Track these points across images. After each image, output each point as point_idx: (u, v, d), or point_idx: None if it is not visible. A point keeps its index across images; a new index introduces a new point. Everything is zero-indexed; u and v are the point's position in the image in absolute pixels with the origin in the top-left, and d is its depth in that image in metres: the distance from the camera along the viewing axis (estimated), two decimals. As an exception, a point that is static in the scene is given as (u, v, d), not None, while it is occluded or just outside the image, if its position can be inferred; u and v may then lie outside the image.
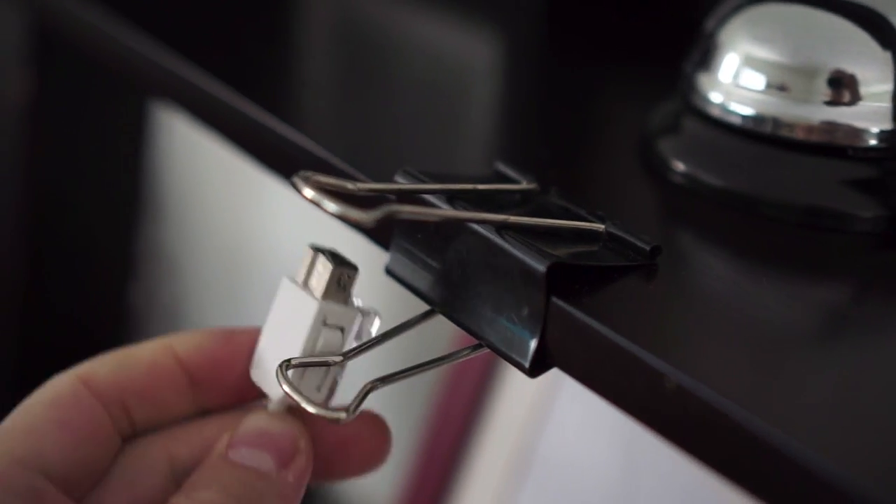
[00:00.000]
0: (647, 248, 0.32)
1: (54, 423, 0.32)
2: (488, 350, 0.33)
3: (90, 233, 0.66)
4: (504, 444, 0.60)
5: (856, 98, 0.34)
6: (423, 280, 0.34)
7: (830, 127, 0.35)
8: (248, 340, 0.35)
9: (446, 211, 0.32)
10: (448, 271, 0.33)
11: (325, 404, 0.33)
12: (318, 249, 0.34)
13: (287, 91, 0.46)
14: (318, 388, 0.34)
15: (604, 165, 0.40)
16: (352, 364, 0.34)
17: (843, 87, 0.34)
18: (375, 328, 0.35)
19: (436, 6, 0.52)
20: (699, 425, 0.27)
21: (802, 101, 0.35)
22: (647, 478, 0.55)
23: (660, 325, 0.30)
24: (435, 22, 0.51)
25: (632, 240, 0.32)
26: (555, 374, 0.32)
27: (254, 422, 0.33)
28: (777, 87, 0.35)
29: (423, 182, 0.33)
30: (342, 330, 0.34)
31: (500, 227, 0.32)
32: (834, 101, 0.34)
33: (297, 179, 0.31)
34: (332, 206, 0.30)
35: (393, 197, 0.34)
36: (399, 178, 0.34)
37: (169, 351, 0.35)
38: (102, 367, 0.34)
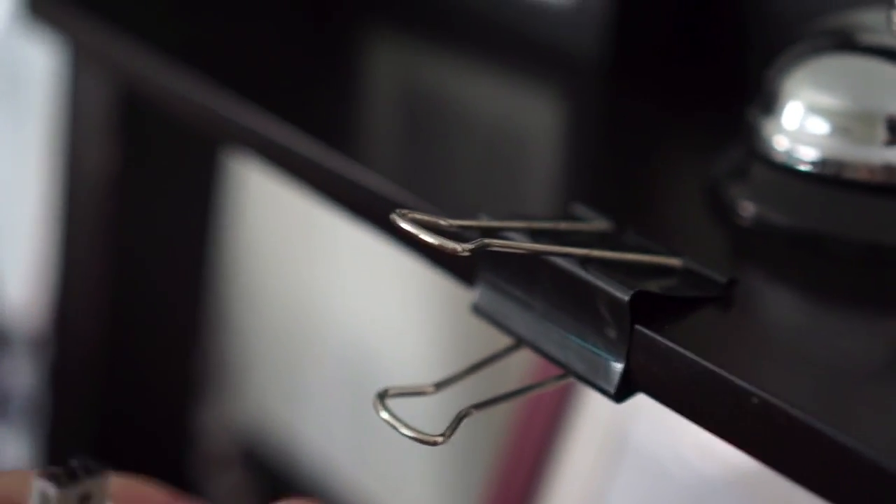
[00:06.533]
0: (724, 280, 0.34)
1: None
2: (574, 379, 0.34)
3: (163, 298, 0.68)
4: (594, 435, 0.61)
5: (913, 141, 0.36)
6: (509, 314, 0.36)
7: (890, 168, 0.37)
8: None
9: (533, 245, 0.34)
10: (533, 305, 0.35)
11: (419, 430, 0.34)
12: (48, 475, 0.33)
13: (364, 142, 0.49)
14: None
15: (673, 209, 0.42)
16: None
17: (900, 130, 0.36)
18: None
19: (497, 64, 0.54)
20: (784, 440, 0.29)
21: (864, 144, 0.37)
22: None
23: (739, 351, 0.32)
24: (498, 78, 0.54)
25: (708, 273, 0.34)
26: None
27: None
28: (840, 131, 0.37)
29: (506, 220, 0.36)
30: None
31: (584, 261, 0.34)
32: (893, 143, 0.36)
33: (394, 216, 0.33)
34: (428, 237, 0.32)
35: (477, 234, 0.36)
36: (482, 217, 0.36)
37: None
38: None
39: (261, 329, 0.90)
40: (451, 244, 0.31)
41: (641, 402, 0.34)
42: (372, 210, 0.42)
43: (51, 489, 0.32)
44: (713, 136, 0.44)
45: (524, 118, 0.51)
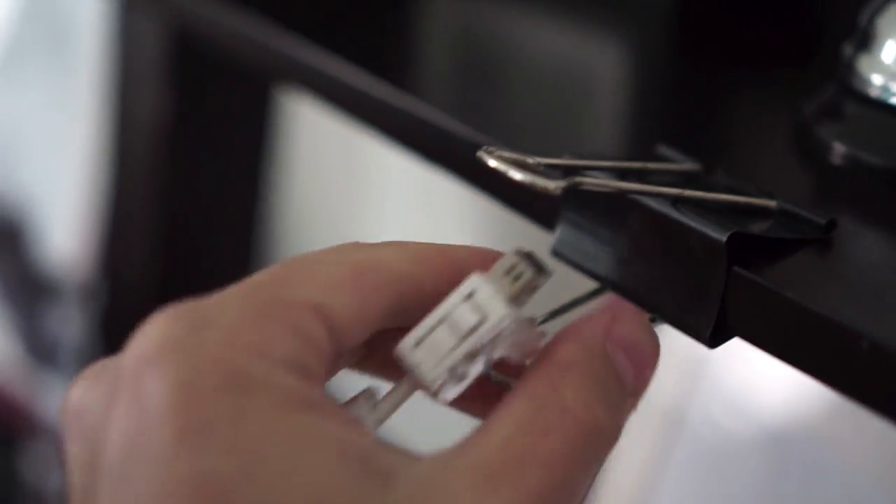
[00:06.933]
0: (823, 221, 0.32)
1: (354, 290, 0.29)
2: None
3: (215, 244, 0.67)
4: (653, 415, 0.60)
5: None
6: (594, 256, 0.34)
7: None
8: (462, 258, 0.31)
9: (624, 184, 0.33)
10: (620, 247, 0.34)
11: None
12: (522, 254, 0.31)
13: (437, 84, 0.47)
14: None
15: (760, 151, 0.40)
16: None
17: None
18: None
19: (563, 8, 0.52)
20: (894, 384, 0.28)
21: (967, 81, 0.35)
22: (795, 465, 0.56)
23: (842, 294, 0.31)
24: (564, 23, 0.52)
25: (805, 214, 0.33)
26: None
27: (630, 330, 0.31)
28: (942, 66, 0.35)
29: (593, 160, 0.34)
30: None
31: (675, 201, 0.32)
32: None
33: (481, 153, 0.31)
34: (518, 174, 0.31)
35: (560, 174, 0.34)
36: (567, 157, 0.34)
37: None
38: (389, 253, 0.30)
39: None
40: (542, 182, 0.30)
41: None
42: (442, 150, 0.40)
43: (526, 267, 0.30)
44: (791, 82, 0.43)
45: (594, 62, 0.49)
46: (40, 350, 0.92)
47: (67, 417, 0.28)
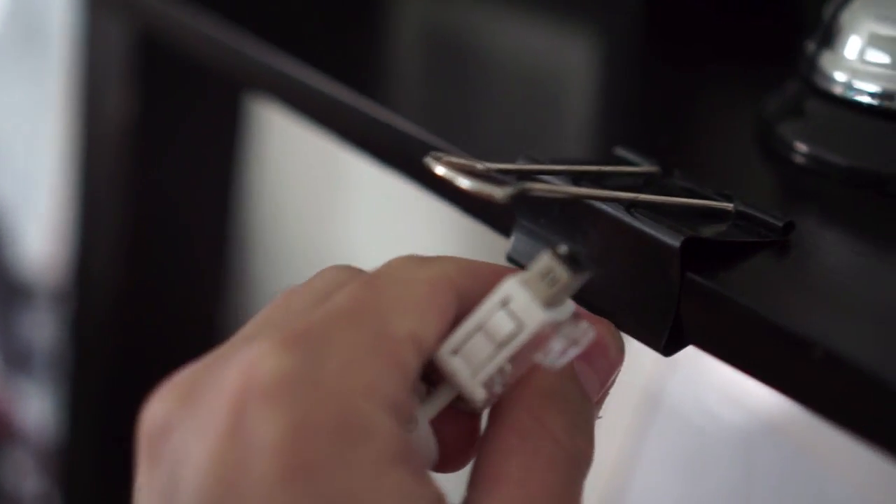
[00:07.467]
0: (780, 223, 0.32)
1: (437, 312, 0.29)
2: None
3: (184, 249, 0.66)
4: (630, 392, 0.60)
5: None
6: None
7: (959, 102, 0.34)
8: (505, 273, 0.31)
9: (576, 189, 0.32)
10: (575, 252, 0.33)
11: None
12: (558, 255, 0.29)
13: (395, 84, 0.46)
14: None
15: (722, 151, 0.39)
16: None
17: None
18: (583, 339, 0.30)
19: (530, 4, 0.52)
20: (849, 395, 0.27)
21: (929, 77, 0.34)
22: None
23: (799, 299, 0.30)
24: (532, 24, 0.51)
25: (763, 217, 0.32)
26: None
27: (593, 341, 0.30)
28: (903, 63, 0.34)
29: (546, 164, 0.33)
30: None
31: (629, 206, 0.32)
32: (962, 76, 0.34)
33: (428, 159, 0.31)
34: (465, 182, 0.30)
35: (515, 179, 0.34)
36: (522, 161, 0.34)
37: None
38: (451, 269, 0.30)
39: (284, 280, 0.88)
40: (488, 189, 0.29)
41: (676, 358, 0.32)
42: (401, 155, 0.39)
43: (564, 270, 0.29)
44: (756, 79, 0.42)
45: (560, 60, 0.48)
46: (14, 355, 0.92)
47: (147, 435, 0.27)
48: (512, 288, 0.29)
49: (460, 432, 0.31)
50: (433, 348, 0.29)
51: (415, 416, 0.29)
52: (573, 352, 0.29)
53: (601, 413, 0.32)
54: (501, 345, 0.29)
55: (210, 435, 0.26)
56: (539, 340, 0.29)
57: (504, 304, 0.29)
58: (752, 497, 0.58)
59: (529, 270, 0.29)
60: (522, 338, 0.29)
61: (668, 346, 0.31)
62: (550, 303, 0.29)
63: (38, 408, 0.89)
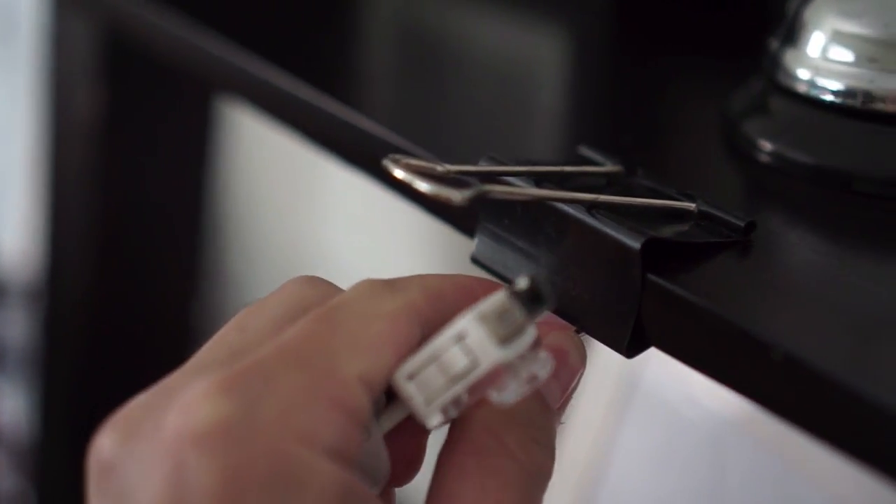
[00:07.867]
0: (742, 223, 0.31)
1: (394, 348, 0.29)
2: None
3: (157, 243, 0.66)
4: (606, 378, 0.60)
5: (947, 69, 0.34)
6: (511, 266, 0.33)
7: (922, 99, 0.34)
8: (471, 286, 0.31)
9: (536, 191, 0.32)
10: (537, 255, 0.33)
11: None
12: (515, 292, 0.29)
13: (361, 84, 0.46)
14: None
15: (686, 149, 0.39)
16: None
17: (933, 58, 0.34)
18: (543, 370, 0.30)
19: (501, 10, 0.51)
20: (807, 395, 0.27)
21: (892, 73, 0.34)
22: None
23: (759, 300, 0.30)
24: (502, 21, 0.51)
25: (725, 217, 0.32)
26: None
27: (555, 347, 0.31)
28: (867, 60, 0.34)
29: (509, 165, 0.33)
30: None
31: (591, 207, 0.31)
32: (924, 73, 0.34)
33: (387, 161, 0.30)
34: (423, 185, 0.30)
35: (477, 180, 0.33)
36: (484, 163, 0.33)
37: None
38: (416, 295, 0.30)
39: (257, 278, 0.88)
40: (446, 193, 0.29)
41: (651, 350, 0.32)
42: (367, 156, 0.39)
43: (518, 309, 0.28)
44: (725, 75, 0.42)
45: (528, 59, 0.48)
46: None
47: (95, 470, 0.28)
48: (468, 324, 0.28)
49: (408, 446, 0.31)
50: (387, 380, 0.29)
51: (369, 428, 0.28)
52: (529, 388, 0.29)
53: (563, 419, 0.31)
54: (455, 379, 0.29)
55: (153, 478, 0.26)
56: (495, 375, 0.28)
57: (459, 339, 0.28)
58: (727, 486, 0.59)
59: (487, 305, 0.28)
60: (476, 374, 0.28)
61: (630, 349, 0.31)
62: (507, 339, 0.28)
63: (11, 406, 0.88)
